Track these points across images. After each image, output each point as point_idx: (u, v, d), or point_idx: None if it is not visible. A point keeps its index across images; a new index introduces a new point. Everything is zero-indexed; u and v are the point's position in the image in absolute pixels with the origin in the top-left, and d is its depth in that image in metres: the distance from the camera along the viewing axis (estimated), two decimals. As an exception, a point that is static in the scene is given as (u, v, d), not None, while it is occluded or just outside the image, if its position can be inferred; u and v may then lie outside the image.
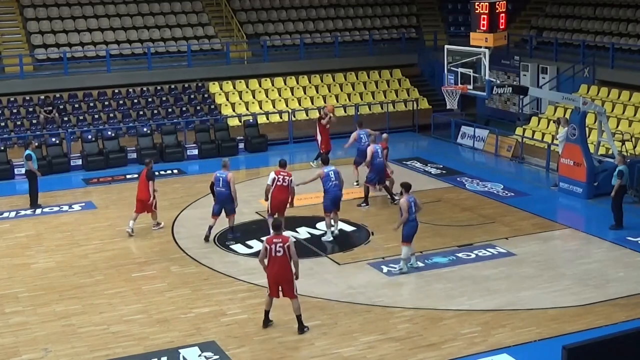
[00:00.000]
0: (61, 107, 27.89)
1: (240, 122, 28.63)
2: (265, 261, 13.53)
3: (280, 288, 13.57)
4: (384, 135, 22.16)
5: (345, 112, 30.06)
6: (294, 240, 13.43)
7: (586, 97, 24.40)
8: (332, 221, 18.52)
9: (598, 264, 16.88)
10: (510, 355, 12.83)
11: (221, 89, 30.18)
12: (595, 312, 14.43)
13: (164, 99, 29.28)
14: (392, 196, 20.77)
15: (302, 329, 13.72)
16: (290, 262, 13.46)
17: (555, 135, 23.13)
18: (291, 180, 17.84)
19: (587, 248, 18.00)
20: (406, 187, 16.23)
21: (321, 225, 19.12)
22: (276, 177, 17.82)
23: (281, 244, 13.36)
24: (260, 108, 29.74)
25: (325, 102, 29.93)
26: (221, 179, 18.25)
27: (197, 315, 14.33)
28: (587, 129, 22.51)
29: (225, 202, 18.34)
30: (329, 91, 31.06)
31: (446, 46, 22.21)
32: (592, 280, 15.89)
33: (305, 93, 30.76)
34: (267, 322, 13.92)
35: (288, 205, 18.02)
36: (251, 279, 16.05)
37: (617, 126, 24.81)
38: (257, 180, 23.72)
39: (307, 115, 29.50)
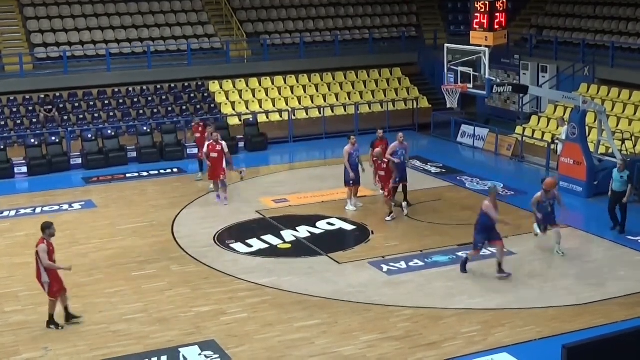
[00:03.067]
0: (61, 106, 27.88)
1: (240, 121, 28.61)
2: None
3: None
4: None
5: (345, 110, 30.05)
6: (46, 248, 13.64)
7: (586, 96, 24.38)
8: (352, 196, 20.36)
9: (598, 263, 16.87)
10: (510, 354, 12.81)
11: (221, 87, 30.17)
12: (595, 311, 14.41)
13: (163, 97, 29.28)
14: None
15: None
16: (40, 265, 13.70)
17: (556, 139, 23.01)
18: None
19: (587, 247, 17.98)
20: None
21: (321, 224, 19.20)
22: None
23: (36, 247, 13.76)
24: (260, 107, 29.73)
25: (325, 100, 29.93)
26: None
27: (197, 314, 14.32)
28: (587, 127, 22.50)
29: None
30: (329, 90, 31.04)
31: (446, 45, 22.18)
32: (592, 280, 15.87)
33: (305, 92, 30.74)
34: (68, 318, 14.17)
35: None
36: (251, 278, 16.06)
37: (617, 125, 24.80)
38: (257, 180, 23.76)
39: (307, 114, 29.50)
